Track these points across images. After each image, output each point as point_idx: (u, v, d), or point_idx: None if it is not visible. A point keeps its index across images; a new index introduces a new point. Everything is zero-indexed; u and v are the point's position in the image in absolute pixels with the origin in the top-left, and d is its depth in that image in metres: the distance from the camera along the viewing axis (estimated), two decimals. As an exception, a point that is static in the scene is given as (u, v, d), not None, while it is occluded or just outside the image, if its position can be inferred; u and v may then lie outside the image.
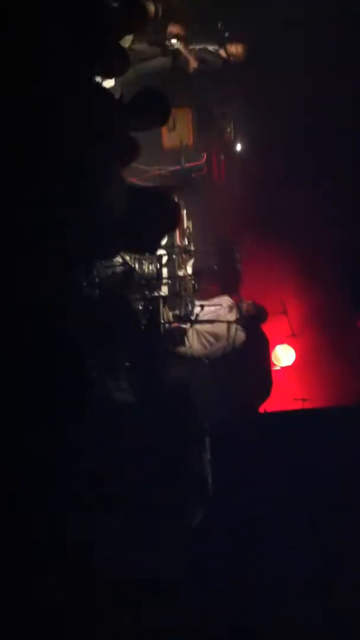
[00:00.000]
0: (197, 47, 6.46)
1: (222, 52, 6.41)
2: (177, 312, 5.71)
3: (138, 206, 4.25)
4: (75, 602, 3.76)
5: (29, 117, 3.91)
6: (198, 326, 5.95)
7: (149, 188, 5.04)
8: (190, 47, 6.39)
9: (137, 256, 5.26)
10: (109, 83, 4.97)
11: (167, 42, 6.19)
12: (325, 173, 7.21)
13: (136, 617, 4.00)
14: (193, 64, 6.37)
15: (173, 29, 6.21)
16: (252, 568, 4.74)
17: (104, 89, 4.54)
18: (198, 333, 6.00)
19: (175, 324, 5.73)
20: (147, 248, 4.84)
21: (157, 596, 4.14)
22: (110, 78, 5.05)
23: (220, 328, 6.03)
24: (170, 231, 5.08)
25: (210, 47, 6.50)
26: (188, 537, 4.75)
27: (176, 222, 4.68)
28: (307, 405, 6.89)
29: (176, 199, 5.28)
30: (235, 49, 6.40)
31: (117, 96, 4.55)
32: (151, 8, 5.76)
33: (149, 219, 4.26)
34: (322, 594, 4.59)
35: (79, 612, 3.77)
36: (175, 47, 6.25)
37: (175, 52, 6.29)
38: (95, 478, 4.25)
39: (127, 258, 5.08)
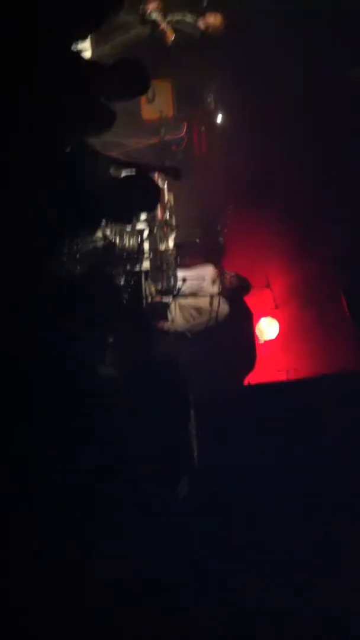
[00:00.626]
0: (175, 18, 6.36)
1: (201, 23, 6.30)
2: (159, 286, 5.68)
3: (118, 184, 4.22)
4: (72, 599, 3.77)
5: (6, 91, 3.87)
6: (181, 300, 5.94)
7: (129, 164, 4.96)
8: (168, 18, 6.29)
9: (117, 230, 5.22)
10: (85, 55, 4.88)
11: (144, 13, 6.09)
12: (309, 142, 7.13)
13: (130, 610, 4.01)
14: (170, 35, 6.26)
15: (149, 2, 6.12)
16: (238, 546, 4.75)
17: (81, 60, 4.46)
18: (181, 307, 6.00)
19: (157, 298, 5.71)
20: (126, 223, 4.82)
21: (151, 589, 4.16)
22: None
23: (203, 301, 6.03)
24: (149, 211, 5.04)
25: (188, 18, 6.39)
26: (174, 516, 4.77)
27: (155, 202, 4.65)
28: (291, 376, 6.92)
29: (156, 175, 5.25)
30: (214, 18, 6.30)
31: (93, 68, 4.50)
32: None
33: (128, 199, 4.24)
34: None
35: (77, 610, 3.77)
36: (152, 18, 6.15)
37: (153, 24, 6.19)
38: (83, 456, 4.25)
39: (108, 232, 5.03)
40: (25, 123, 3.86)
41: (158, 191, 4.60)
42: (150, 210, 5.07)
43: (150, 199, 4.50)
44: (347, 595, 4.55)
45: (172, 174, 5.31)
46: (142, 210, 4.76)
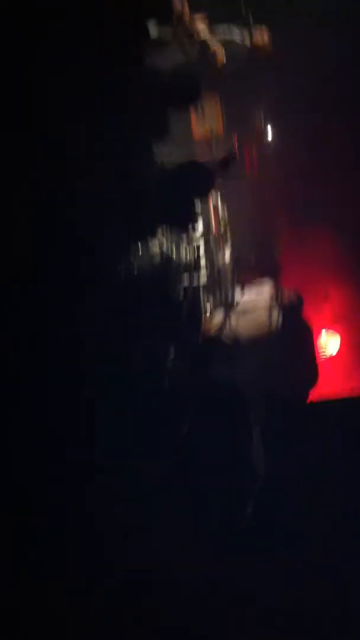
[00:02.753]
0: (223, 37, 6.40)
1: (248, 38, 6.33)
2: (217, 300, 5.63)
3: (170, 179, 4.22)
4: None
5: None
6: (239, 314, 5.86)
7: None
8: (217, 37, 6.34)
9: (174, 244, 5.21)
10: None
11: (193, 34, 6.15)
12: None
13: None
14: (220, 56, 6.30)
15: (198, 21, 6.18)
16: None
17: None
18: (239, 321, 5.91)
19: (215, 313, 5.65)
20: (184, 217, 4.77)
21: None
22: None
23: (262, 315, 5.93)
24: (204, 193, 4.97)
25: (236, 36, 6.43)
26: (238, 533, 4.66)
27: (209, 185, 4.60)
28: (355, 393, 6.75)
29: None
30: (261, 38, 6.33)
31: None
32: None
33: (183, 186, 4.21)
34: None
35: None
36: (202, 38, 6.19)
37: (203, 44, 6.23)
38: (142, 474, 4.20)
39: (164, 246, 5.03)
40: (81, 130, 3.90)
41: (210, 175, 4.54)
42: (205, 193, 4.97)
43: (203, 182, 4.46)
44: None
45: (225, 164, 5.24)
46: (197, 194, 4.69)
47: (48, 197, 3.83)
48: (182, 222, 4.81)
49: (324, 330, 7.07)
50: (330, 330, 7.07)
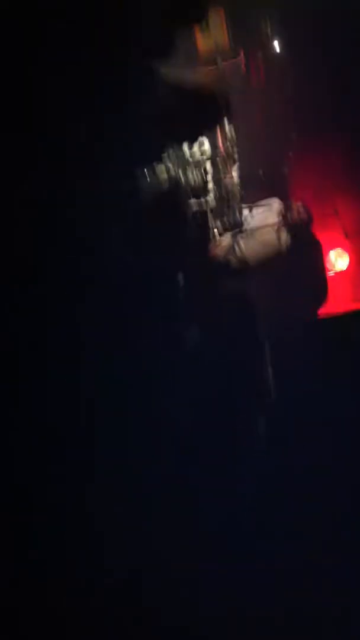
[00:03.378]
0: None
1: None
2: (225, 220, 5.60)
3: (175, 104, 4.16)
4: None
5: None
6: (248, 233, 5.85)
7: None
8: None
9: (180, 165, 5.14)
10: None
11: None
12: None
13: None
14: None
15: None
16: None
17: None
18: (248, 240, 5.90)
19: (224, 233, 5.64)
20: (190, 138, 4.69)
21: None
22: None
23: (270, 233, 5.91)
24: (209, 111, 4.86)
25: None
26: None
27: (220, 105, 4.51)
28: (365, 306, 6.77)
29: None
30: None
31: None
32: None
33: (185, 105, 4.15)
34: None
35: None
36: None
37: None
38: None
39: (170, 165, 4.97)
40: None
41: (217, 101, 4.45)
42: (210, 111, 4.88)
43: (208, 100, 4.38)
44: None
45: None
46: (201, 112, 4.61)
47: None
48: (188, 143, 4.73)
49: (332, 249, 7.04)
50: (339, 248, 7.04)
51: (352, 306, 6.71)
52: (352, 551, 4.39)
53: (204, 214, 5.21)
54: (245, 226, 5.69)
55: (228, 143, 5.73)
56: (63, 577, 3.74)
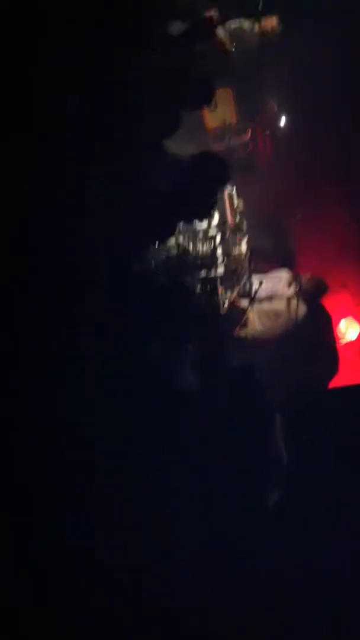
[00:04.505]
0: (232, 26, 6.36)
1: (258, 28, 6.29)
2: (235, 291, 5.64)
3: (185, 172, 4.22)
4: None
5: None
6: (258, 304, 5.87)
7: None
8: (225, 27, 6.30)
9: (190, 237, 5.21)
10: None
11: (203, 24, 6.11)
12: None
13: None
14: (229, 45, 6.27)
15: (208, 11, 6.14)
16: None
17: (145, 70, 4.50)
18: (258, 311, 5.92)
19: (234, 303, 5.66)
20: (203, 210, 4.75)
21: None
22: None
23: (280, 304, 5.94)
24: (220, 184, 4.93)
25: (245, 25, 6.39)
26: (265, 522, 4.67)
27: (225, 175, 4.58)
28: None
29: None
30: (270, 22, 6.28)
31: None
32: None
33: (198, 177, 4.21)
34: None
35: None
36: (211, 28, 6.15)
37: (212, 33, 6.20)
38: (161, 466, 4.22)
39: (181, 239, 5.04)
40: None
41: (224, 165, 4.52)
42: (224, 183, 4.93)
43: (220, 171, 4.45)
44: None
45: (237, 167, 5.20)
46: (214, 187, 4.66)
47: (57, 198, 3.84)
48: (198, 215, 4.79)
49: (343, 319, 7.07)
50: (350, 317, 7.07)
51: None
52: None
53: (213, 284, 5.24)
54: (255, 296, 5.71)
55: (237, 216, 5.82)
56: (63, 577, 3.69)
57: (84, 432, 3.93)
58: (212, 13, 5.96)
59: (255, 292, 5.71)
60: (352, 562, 4.43)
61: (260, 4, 6.25)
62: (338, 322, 7.05)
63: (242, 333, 5.83)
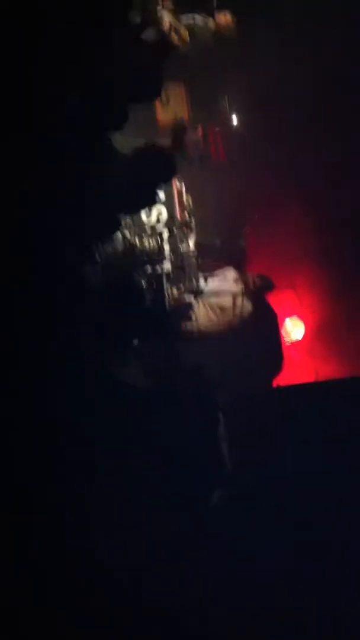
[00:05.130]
0: (186, 21, 6.35)
1: (212, 23, 6.29)
2: (181, 287, 5.64)
3: (131, 163, 4.19)
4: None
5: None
6: (204, 299, 5.87)
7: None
8: (179, 20, 6.28)
9: (137, 232, 5.19)
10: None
11: (155, 16, 6.09)
12: (330, 140, 7.07)
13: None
14: (184, 36, 6.25)
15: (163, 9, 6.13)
16: (266, 548, 4.66)
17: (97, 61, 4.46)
18: (204, 306, 5.92)
19: (180, 299, 5.66)
20: (147, 199, 4.73)
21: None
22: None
23: (227, 301, 5.95)
24: (166, 177, 4.91)
25: (199, 20, 6.38)
26: (204, 519, 4.70)
27: (171, 172, 4.57)
28: (320, 378, 6.81)
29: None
30: (225, 17, 6.29)
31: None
32: None
33: (142, 171, 4.18)
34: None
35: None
36: (164, 20, 6.13)
37: (164, 26, 6.17)
38: (106, 463, 4.21)
39: (128, 234, 5.01)
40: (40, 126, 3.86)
41: (171, 159, 4.51)
42: (167, 177, 4.92)
43: (165, 169, 4.43)
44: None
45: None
46: (159, 179, 4.64)
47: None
48: (140, 209, 4.78)
49: (288, 318, 7.13)
50: (295, 317, 7.13)
51: (305, 378, 6.75)
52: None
53: (160, 280, 5.23)
54: (201, 293, 5.72)
55: (186, 212, 5.81)
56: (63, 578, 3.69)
57: (39, 427, 3.91)
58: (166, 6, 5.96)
59: (202, 288, 5.71)
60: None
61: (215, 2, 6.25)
62: (284, 321, 7.11)
63: (188, 328, 5.83)
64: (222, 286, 6.06)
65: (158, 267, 5.28)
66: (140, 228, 5.28)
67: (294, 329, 7.17)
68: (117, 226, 4.72)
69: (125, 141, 5.11)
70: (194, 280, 5.67)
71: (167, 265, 5.43)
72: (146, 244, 5.26)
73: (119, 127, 4.34)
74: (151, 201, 4.93)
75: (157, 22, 6.11)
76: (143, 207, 4.96)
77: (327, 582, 4.42)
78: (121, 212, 4.51)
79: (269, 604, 4.22)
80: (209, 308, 5.94)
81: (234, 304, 5.91)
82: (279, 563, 4.44)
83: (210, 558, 4.31)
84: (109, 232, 4.65)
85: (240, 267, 6.27)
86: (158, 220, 5.45)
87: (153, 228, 5.36)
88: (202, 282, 5.72)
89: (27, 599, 3.59)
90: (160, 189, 5.06)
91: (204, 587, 4.16)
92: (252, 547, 4.51)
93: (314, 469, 5.06)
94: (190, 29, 6.26)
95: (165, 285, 5.31)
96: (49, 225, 4.06)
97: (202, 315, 5.92)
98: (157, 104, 6.25)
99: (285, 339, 7.10)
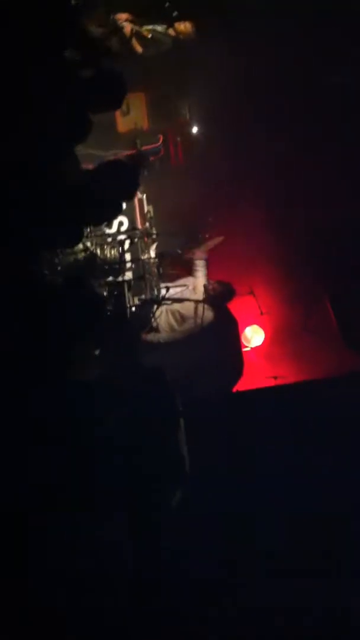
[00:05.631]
0: (146, 27, 6.37)
1: (172, 31, 6.33)
2: (142, 296, 5.67)
3: (94, 178, 4.21)
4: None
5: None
6: (165, 307, 5.92)
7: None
8: (138, 28, 6.30)
9: (98, 241, 5.21)
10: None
11: (114, 24, 6.10)
12: (287, 147, 7.16)
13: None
14: (137, 46, 6.27)
15: (121, 14, 6.14)
16: (234, 548, 4.74)
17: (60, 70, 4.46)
18: (165, 315, 5.97)
19: (141, 307, 5.69)
20: (108, 215, 4.74)
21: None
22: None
23: (187, 308, 6.01)
24: (129, 194, 4.93)
25: (159, 27, 6.41)
26: (167, 522, 4.75)
27: (134, 185, 4.58)
28: (279, 382, 6.89)
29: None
30: (184, 26, 6.33)
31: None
32: None
33: (107, 183, 4.20)
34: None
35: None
36: (121, 27, 6.14)
37: (123, 35, 6.19)
38: (70, 468, 4.23)
39: (89, 244, 5.03)
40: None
41: (135, 174, 4.53)
42: (131, 193, 4.93)
43: (128, 183, 4.44)
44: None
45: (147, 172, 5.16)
46: (122, 195, 4.66)
47: None
48: (106, 220, 4.79)
49: (249, 326, 7.22)
50: (255, 325, 7.22)
51: (266, 383, 6.83)
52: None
53: (121, 289, 5.25)
54: (162, 301, 5.76)
55: (147, 223, 5.84)
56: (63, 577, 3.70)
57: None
58: (125, 16, 5.98)
59: (163, 297, 5.75)
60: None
61: (174, 12, 6.28)
62: (244, 329, 7.19)
63: (150, 337, 5.88)
64: (184, 294, 6.11)
65: (119, 276, 5.31)
66: (101, 237, 5.30)
67: (254, 336, 7.26)
68: (79, 238, 4.73)
69: (86, 151, 5.15)
70: (155, 289, 5.71)
71: (128, 275, 5.46)
72: (107, 252, 5.29)
73: (82, 136, 4.34)
74: (115, 215, 4.95)
75: (118, 28, 6.14)
76: (107, 221, 4.98)
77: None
78: (84, 225, 4.51)
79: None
80: (170, 316, 6.00)
81: (195, 312, 5.96)
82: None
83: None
84: (71, 244, 4.67)
85: (201, 275, 6.32)
86: (119, 230, 5.48)
87: (114, 237, 5.38)
88: (163, 291, 5.76)
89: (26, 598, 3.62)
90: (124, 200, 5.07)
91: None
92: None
93: (273, 472, 5.16)
94: (150, 30, 6.27)
95: (127, 294, 5.33)
96: (13, 233, 4.07)
97: (163, 321, 5.97)
98: (117, 113, 6.27)
99: (245, 344, 7.20)
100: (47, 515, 3.81)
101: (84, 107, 4.44)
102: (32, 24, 4.15)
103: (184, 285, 6.07)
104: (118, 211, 4.64)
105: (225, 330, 6.52)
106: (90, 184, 4.36)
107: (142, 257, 5.68)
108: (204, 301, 6.13)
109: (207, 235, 6.66)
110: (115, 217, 5.11)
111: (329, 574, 4.58)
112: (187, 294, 6.17)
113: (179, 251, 6.37)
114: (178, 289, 6.10)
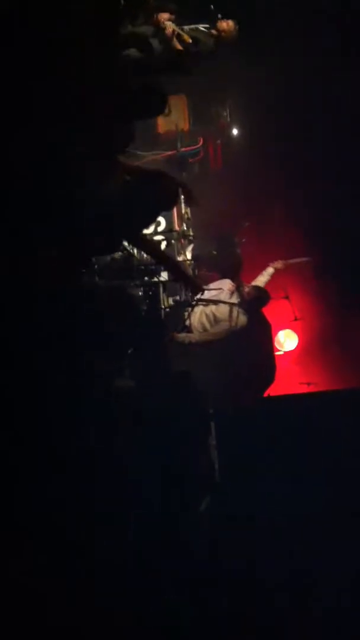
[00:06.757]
0: (188, 27, 6.34)
1: (214, 31, 6.29)
2: (177, 297, 5.66)
3: (134, 190, 4.22)
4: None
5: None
6: (199, 310, 5.90)
7: (145, 171, 4.94)
8: (181, 28, 6.26)
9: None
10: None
11: (157, 24, 6.06)
12: (324, 156, 7.13)
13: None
14: (178, 47, 6.23)
15: (163, 13, 6.11)
16: (259, 556, 4.72)
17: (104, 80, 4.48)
18: (199, 317, 5.95)
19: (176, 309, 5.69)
20: (145, 224, 4.77)
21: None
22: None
23: (222, 311, 5.97)
24: (167, 208, 4.95)
25: (202, 27, 6.37)
26: (195, 526, 4.75)
27: (173, 200, 4.60)
28: (312, 389, 6.85)
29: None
30: (227, 24, 6.28)
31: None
32: None
33: (145, 199, 4.22)
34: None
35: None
36: (163, 27, 6.09)
37: (164, 35, 6.16)
38: (97, 469, 4.25)
39: (126, 244, 5.04)
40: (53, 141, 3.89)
41: (175, 189, 4.54)
42: (170, 207, 4.95)
43: (168, 197, 4.45)
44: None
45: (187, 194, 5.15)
46: (161, 207, 4.68)
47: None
48: (143, 229, 4.81)
49: (282, 331, 7.18)
50: (289, 330, 7.18)
51: (299, 388, 6.80)
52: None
53: (156, 290, 5.25)
54: (197, 303, 5.74)
55: (184, 224, 5.84)
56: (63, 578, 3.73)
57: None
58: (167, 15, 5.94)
59: (198, 299, 5.72)
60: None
61: (219, 14, 6.24)
62: (277, 333, 7.16)
63: (183, 338, 5.86)
64: (218, 297, 6.08)
65: (155, 277, 5.30)
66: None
67: (287, 340, 7.23)
68: (117, 248, 4.77)
69: (127, 153, 5.16)
70: (190, 292, 5.68)
71: (164, 276, 5.45)
72: (145, 255, 5.29)
73: (125, 147, 4.37)
74: (152, 223, 4.97)
75: (160, 29, 6.11)
76: (144, 229, 5.00)
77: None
78: (123, 235, 4.53)
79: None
80: (204, 317, 5.97)
81: (229, 315, 5.93)
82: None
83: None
84: (108, 252, 4.72)
85: (236, 278, 6.30)
86: (156, 231, 5.48)
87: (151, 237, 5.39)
88: (199, 294, 5.73)
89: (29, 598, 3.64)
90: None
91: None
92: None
93: (306, 478, 5.13)
94: (193, 30, 6.23)
95: (162, 295, 5.34)
96: (54, 243, 4.12)
97: (196, 322, 5.94)
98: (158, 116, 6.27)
99: (278, 350, 7.17)
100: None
101: (129, 118, 4.47)
102: (82, 22, 4.18)
103: (219, 289, 6.04)
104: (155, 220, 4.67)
105: (258, 335, 6.49)
106: (131, 195, 4.38)
107: (178, 259, 5.67)
108: (239, 305, 6.10)
109: (243, 240, 6.64)
110: (152, 224, 5.14)
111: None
112: (222, 296, 6.14)
113: (215, 253, 6.36)
114: (213, 292, 6.07)
